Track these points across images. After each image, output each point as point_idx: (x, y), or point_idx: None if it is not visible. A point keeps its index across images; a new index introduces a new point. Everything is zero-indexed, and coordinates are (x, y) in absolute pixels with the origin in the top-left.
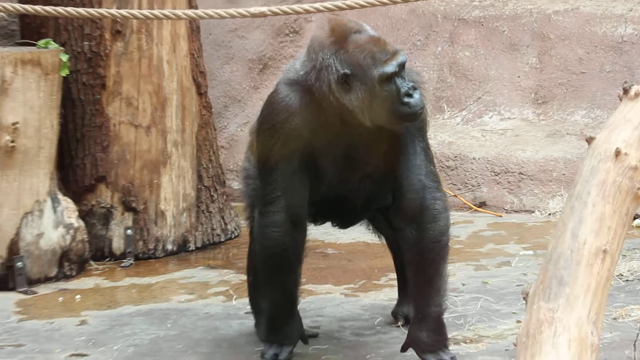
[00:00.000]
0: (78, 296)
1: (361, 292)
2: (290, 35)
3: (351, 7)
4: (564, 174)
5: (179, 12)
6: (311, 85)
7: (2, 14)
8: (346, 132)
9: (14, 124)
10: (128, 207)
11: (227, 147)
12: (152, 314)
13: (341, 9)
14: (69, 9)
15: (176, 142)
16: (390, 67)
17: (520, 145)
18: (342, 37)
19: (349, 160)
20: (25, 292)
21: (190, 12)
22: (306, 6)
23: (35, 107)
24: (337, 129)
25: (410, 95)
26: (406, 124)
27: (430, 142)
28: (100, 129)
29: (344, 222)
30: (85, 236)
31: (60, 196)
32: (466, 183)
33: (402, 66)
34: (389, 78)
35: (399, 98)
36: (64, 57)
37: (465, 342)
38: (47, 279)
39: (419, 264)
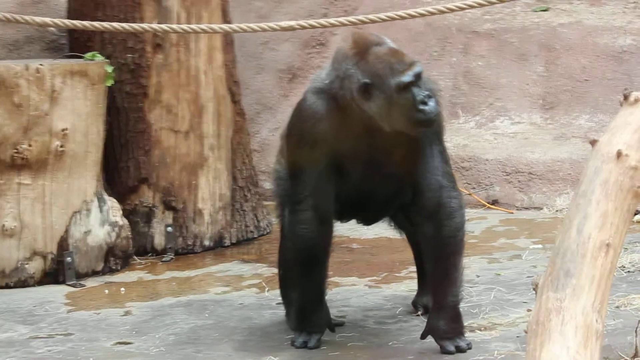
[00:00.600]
0: (123, 289)
1: (384, 284)
2: (317, 47)
3: (373, 21)
4: (569, 174)
5: (214, 26)
6: (336, 93)
7: (52, 29)
8: (369, 136)
9: (63, 130)
10: (168, 207)
11: (260, 150)
12: (191, 305)
13: (363, 22)
14: (114, 24)
15: (212, 146)
16: (407, 77)
17: (529, 148)
18: (364, 49)
19: (372, 162)
20: (74, 285)
21: (225, 26)
22: (332, 20)
23: (83, 115)
24: (360, 134)
25: (425, 103)
26: (422, 130)
27: (447, 144)
28: (143, 135)
29: (368, 219)
30: (129, 233)
31: (106, 196)
32: (480, 182)
33: (418, 76)
34: (406, 87)
35: (415, 106)
36: (109, 69)
37: (480, 330)
38: (94, 273)
39: (437, 257)
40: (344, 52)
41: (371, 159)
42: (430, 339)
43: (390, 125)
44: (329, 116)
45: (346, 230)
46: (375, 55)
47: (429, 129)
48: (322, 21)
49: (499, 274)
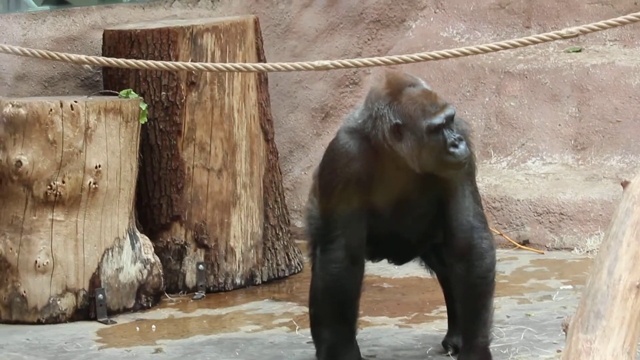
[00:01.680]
0: (154, 326)
1: (414, 324)
2: (350, 86)
3: (406, 61)
4: (601, 215)
5: (249, 65)
6: (368, 133)
7: (87, 66)
8: (401, 176)
9: (97, 167)
10: (200, 244)
11: (292, 189)
12: (222, 343)
13: (397, 62)
14: (149, 61)
15: (245, 184)
16: (438, 119)
17: (560, 188)
18: (397, 89)
19: (404, 202)
20: (105, 322)
21: (259, 65)
22: (365, 60)
23: (117, 152)
24: (392, 174)
25: (456, 146)
26: (453, 172)
27: (478, 184)
28: (176, 172)
29: (399, 259)
30: (161, 271)
31: (138, 234)
32: (511, 222)
33: (450, 118)
34: (437, 129)
35: (445, 148)
36: (143, 106)
37: None
38: (125, 310)
39: (467, 298)
40: (377, 91)
41: (403, 199)
42: None
43: (420, 167)
44: (361, 156)
45: (377, 269)
46: (408, 96)
47: (462, 170)
48: (356, 61)
49: (529, 315)
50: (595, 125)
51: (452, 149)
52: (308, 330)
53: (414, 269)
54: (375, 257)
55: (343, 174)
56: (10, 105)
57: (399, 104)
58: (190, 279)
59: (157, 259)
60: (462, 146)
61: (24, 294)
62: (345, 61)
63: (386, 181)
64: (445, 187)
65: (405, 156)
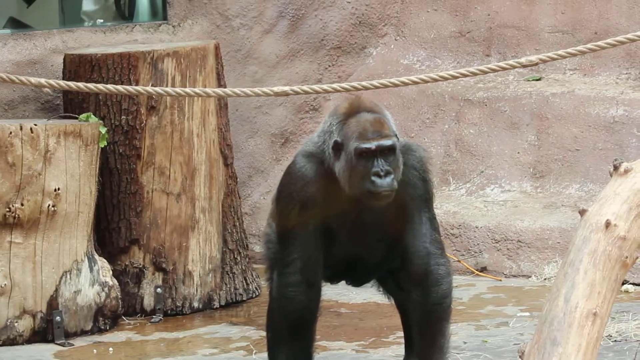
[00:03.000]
0: (111, 349)
1: (371, 349)
2: (310, 112)
3: (366, 88)
4: (558, 242)
5: (209, 90)
6: (322, 153)
7: (48, 89)
8: (355, 200)
9: (55, 190)
10: (158, 268)
11: (251, 213)
12: None
13: (357, 89)
14: (109, 86)
15: (204, 208)
16: (368, 144)
17: (519, 216)
18: (353, 111)
19: (360, 226)
20: (62, 344)
21: (219, 90)
22: (325, 86)
23: (76, 175)
24: (346, 197)
25: (379, 176)
26: (375, 203)
27: (437, 211)
28: (135, 196)
29: (356, 281)
30: (119, 294)
31: (96, 256)
32: (469, 249)
33: (384, 149)
34: (366, 154)
35: (368, 175)
36: (103, 130)
37: None
38: (82, 332)
39: (424, 323)
40: (336, 110)
41: (359, 224)
42: None
43: (349, 189)
44: (317, 180)
45: (335, 294)
46: (358, 119)
47: (383, 203)
48: (316, 87)
49: (486, 341)
50: (554, 154)
51: (374, 178)
52: (265, 354)
53: (372, 295)
54: (334, 280)
55: (299, 197)
56: None
57: (346, 124)
58: (148, 302)
59: (115, 282)
60: (387, 179)
61: None
62: (305, 87)
63: (342, 205)
64: (402, 213)
65: (338, 176)
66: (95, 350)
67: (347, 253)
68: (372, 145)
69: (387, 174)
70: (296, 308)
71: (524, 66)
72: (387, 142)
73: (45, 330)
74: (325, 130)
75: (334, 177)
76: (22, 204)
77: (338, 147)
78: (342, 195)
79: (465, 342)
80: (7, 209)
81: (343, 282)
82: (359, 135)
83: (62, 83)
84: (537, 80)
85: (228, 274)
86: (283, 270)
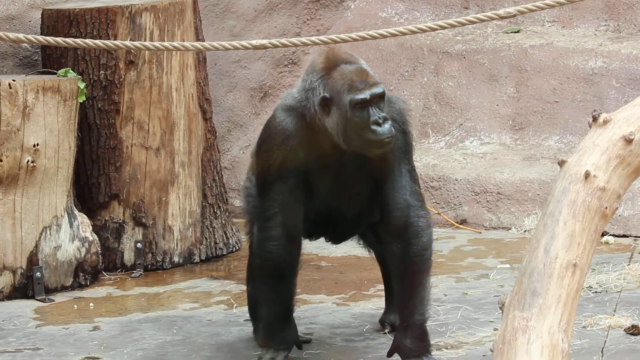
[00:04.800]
0: (91, 304)
1: (351, 302)
2: (289, 66)
3: (344, 41)
4: (538, 194)
5: (187, 44)
6: (304, 108)
7: (26, 45)
8: (336, 154)
9: (34, 145)
10: (138, 223)
11: (230, 168)
12: (159, 321)
13: (335, 42)
14: (87, 40)
15: (183, 163)
16: (363, 95)
17: (498, 168)
18: (332, 64)
19: (340, 179)
20: (43, 300)
21: (197, 44)
22: (304, 39)
23: (55, 131)
24: (328, 151)
25: (379, 124)
26: (376, 151)
27: (416, 164)
28: (114, 151)
29: (336, 237)
30: (99, 249)
31: (76, 212)
32: (449, 202)
33: (377, 97)
34: (361, 105)
35: (368, 125)
36: (82, 85)
37: (447, 348)
38: (63, 288)
39: (404, 276)
40: (313, 65)
41: (339, 177)
42: (396, 357)
43: (346, 144)
44: (297, 133)
45: (315, 248)
46: (340, 72)
47: (384, 149)
48: (294, 40)
49: (467, 293)
50: (533, 106)
51: (374, 127)
52: (245, 309)
53: (352, 248)
54: (313, 236)
55: (280, 151)
56: None
57: (330, 78)
58: (129, 257)
59: (95, 237)
60: (386, 125)
61: None
62: (284, 40)
63: (322, 159)
64: (382, 165)
65: (331, 131)
66: (75, 306)
67: (327, 206)
68: (366, 95)
69: (385, 120)
70: (277, 262)
71: (502, 18)
72: (378, 90)
73: (26, 286)
74: (307, 87)
75: (314, 131)
76: (0, 160)
77: (326, 103)
78: (323, 149)
79: (445, 295)
80: None
81: (321, 238)
82: (349, 88)
83: (41, 38)
84: (515, 32)
85: (208, 229)
86: (264, 224)
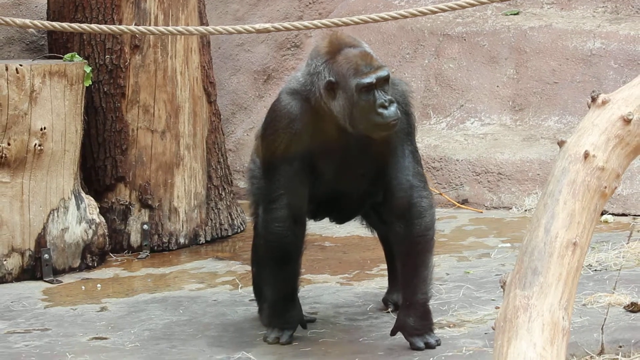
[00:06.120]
0: (99, 285)
1: (355, 281)
2: (292, 49)
3: (346, 24)
4: (538, 174)
5: (191, 28)
6: (308, 92)
7: (32, 30)
8: (341, 136)
9: (42, 129)
10: (144, 205)
11: (234, 150)
12: (166, 301)
13: (337, 25)
14: (93, 25)
15: (188, 145)
16: (369, 79)
17: (499, 148)
18: (336, 49)
19: (345, 161)
20: (51, 281)
21: (201, 28)
22: (306, 23)
23: (61, 114)
24: (332, 133)
25: (385, 107)
26: (382, 134)
27: (418, 145)
28: (120, 134)
29: (340, 218)
30: (106, 231)
31: (83, 194)
32: (450, 182)
33: (382, 80)
34: (367, 89)
35: (374, 108)
36: (88, 69)
37: (449, 327)
38: (71, 270)
39: (407, 255)
40: (317, 49)
41: (344, 159)
42: (400, 336)
43: (352, 127)
44: (302, 116)
45: (319, 228)
46: (344, 55)
47: (390, 132)
48: (297, 24)
49: (468, 272)
50: (532, 87)
51: (380, 110)
52: (250, 289)
53: (355, 228)
54: (317, 216)
55: (285, 134)
56: None
57: (335, 63)
58: (135, 238)
59: (102, 219)
60: (392, 108)
61: None
62: (287, 24)
63: (327, 141)
64: (385, 147)
65: (337, 115)
66: (83, 287)
67: (331, 188)
68: (372, 78)
69: (390, 103)
70: (282, 243)
71: (502, 0)
72: (384, 73)
73: (34, 268)
74: (312, 72)
75: (319, 114)
76: (8, 144)
77: (332, 87)
78: (328, 132)
79: (447, 274)
80: None
81: (326, 218)
82: (355, 72)
83: (47, 23)
84: (515, 14)
85: (213, 210)
86: (269, 206)
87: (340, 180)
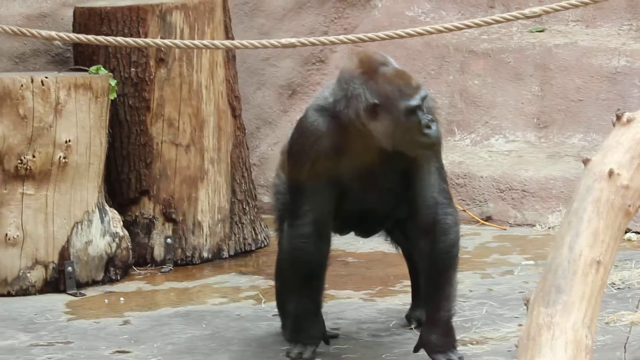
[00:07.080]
0: (122, 298)
1: (378, 297)
2: (317, 64)
3: (372, 40)
4: (562, 192)
5: (217, 42)
6: (339, 111)
7: (58, 42)
8: (369, 153)
9: (66, 142)
10: (168, 218)
11: (259, 164)
12: (189, 315)
13: (363, 40)
14: (119, 38)
15: (213, 159)
16: (415, 101)
17: (523, 165)
18: (371, 69)
19: (371, 177)
20: (74, 294)
21: (227, 42)
22: (332, 38)
23: (86, 127)
24: (360, 151)
25: (429, 127)
26: (422, 152)
27: (442, 161)
28: (144, 147)
29: (365, 232)
30: (129, 244)
31: (107, 208)
32: (474, 199)
33: (424, 99)
34: (413, 110)
35: (420, 129)
36: (113, 82)
37: (472, 344)
38: (94, 283)
39: (431, 272)
40: (350, 71)
41: (370, 175)
42: (422, 352)
43: (393, 146)
44: (330, 133)
45: (342, 244)
46: (383, 76)
47: (434, 150)
48: (323, 39)
49: (492, 289)
50: (557, 104)
51: (426, 130)
52: (274, 304)
53: (379, 244)
54: (343, 231)
55: (312, 150)
56: None
57: (376, 84)
58: (159, 252)
59: (126, 232)
60: (434, 127)
61: None
62: (312, 39)
63: (354, 158)
64: (412, 163)
65: (378, 135)
66: (106, 300)
67: (358, 204)
68: (418, 100)
69: (432, 122)
70: (307, 259)
71: (528, 17)
72: (425, 92)
73: (57, 281)
74: (348, 95)
75: (349, 131)
76: (33, 156)
77: (375, 110)
78: (357, 148)
79: (471, 291)
80: (19, 161)
81: (351, 232)
82: (400, 94)
83: (73, 36)
84: (540, 31)
85: (237, 224)
86: (295, 222)
87: (366, 196)
